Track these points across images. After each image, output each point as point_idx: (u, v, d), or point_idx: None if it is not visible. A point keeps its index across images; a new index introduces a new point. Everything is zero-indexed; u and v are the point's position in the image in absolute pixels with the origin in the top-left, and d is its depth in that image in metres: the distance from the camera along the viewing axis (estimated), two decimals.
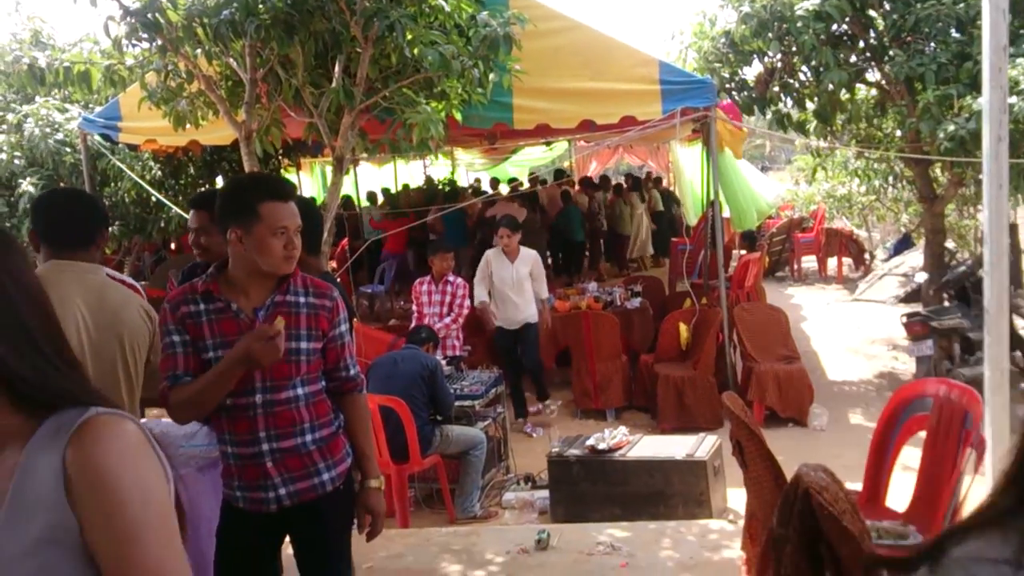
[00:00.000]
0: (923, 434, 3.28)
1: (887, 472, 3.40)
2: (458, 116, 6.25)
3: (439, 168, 19.21)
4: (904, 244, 14.26)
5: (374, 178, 17.57)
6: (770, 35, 8.19)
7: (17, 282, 1.19)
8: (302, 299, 2.58)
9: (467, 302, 6.88)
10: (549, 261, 12.98)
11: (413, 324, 6.96)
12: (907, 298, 11.77)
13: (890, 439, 3.38)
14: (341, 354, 2.67)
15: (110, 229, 8.88)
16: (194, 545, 2.85)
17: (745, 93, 8.98)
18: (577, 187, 14.64)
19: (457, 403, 5.60)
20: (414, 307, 7.02)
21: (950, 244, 11.33)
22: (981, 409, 3.00)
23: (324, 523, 2.64)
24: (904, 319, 7.84)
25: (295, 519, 2.63)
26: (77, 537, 1.11)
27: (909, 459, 3.55)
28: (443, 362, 5.82)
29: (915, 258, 13.01)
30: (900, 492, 3.45)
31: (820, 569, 2.69)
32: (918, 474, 3.30)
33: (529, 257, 7.22)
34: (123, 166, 8.49)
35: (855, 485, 2.94)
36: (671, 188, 16.82)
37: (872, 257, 15.35)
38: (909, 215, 13.86)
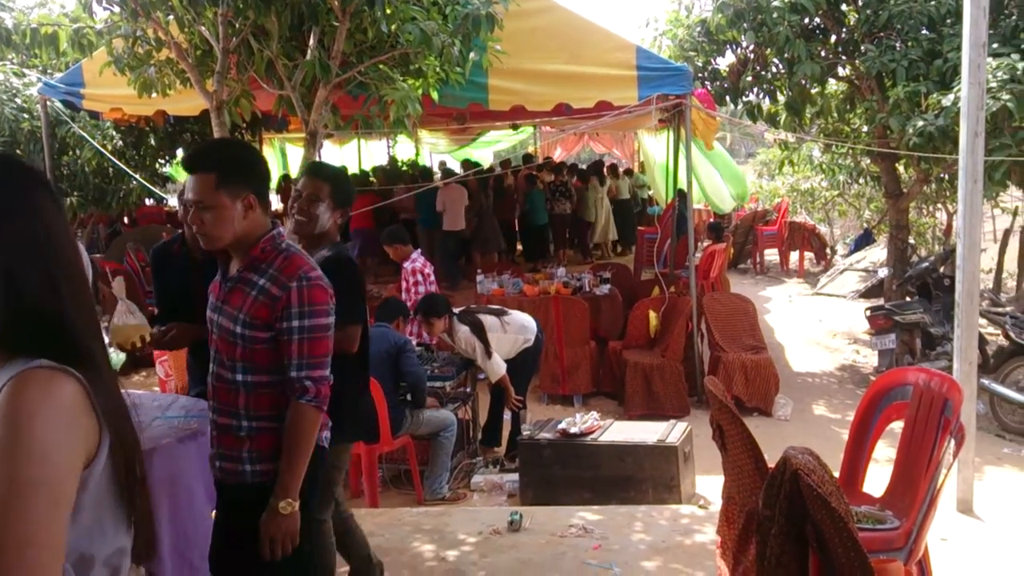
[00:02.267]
0: (901, 422, 3.32)
1: (865, 458, 3.42)
2: (434, 95, 6.15)
3: (402, 149, 19.00)
4: (865, 240, 14.49)
5: (335, 157, 17.33)
6: (745, 25, 8.24)
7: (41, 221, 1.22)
8: (260, 281, 2.40)
9: (422, 288, 6.68)
10: (519, 246, 12.96)
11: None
12: (867, 293, 11.97)
13: (869, 426, 3.41)
14: (287, 351, 2.38)
15: (69, 200, 8.66)
16: (174, 517, 2.76)
17: (717, 83, 9.03)
18: (542, 171, 14.61)
19: (427, 384, 5.53)
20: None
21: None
22: (961, 397, 3.03)
23: (242, 512, 2.45)
24: (868, 313, 7.97)
25: (229, 498, 2.54)
26: None
27: (885, 447, 3.59)
28: (413, 342, 5.73)
29: (876, 254, 13.23)
30: (877, 479, 3.48)
31: (805, 549, 2.71)
32: (896, 460, 3.33)
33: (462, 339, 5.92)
34: (85, 134, 8.23)
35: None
36: (638, 176, 16.86)
37: (833, 252, 15.58)
38: (871, 211, 14.09)
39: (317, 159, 6.26)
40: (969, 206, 4.69)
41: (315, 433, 2.42)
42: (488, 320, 5.87)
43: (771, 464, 3.22)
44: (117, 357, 6.09)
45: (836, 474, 3.46)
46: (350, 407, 3.19)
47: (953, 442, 2.99)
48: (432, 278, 6.85)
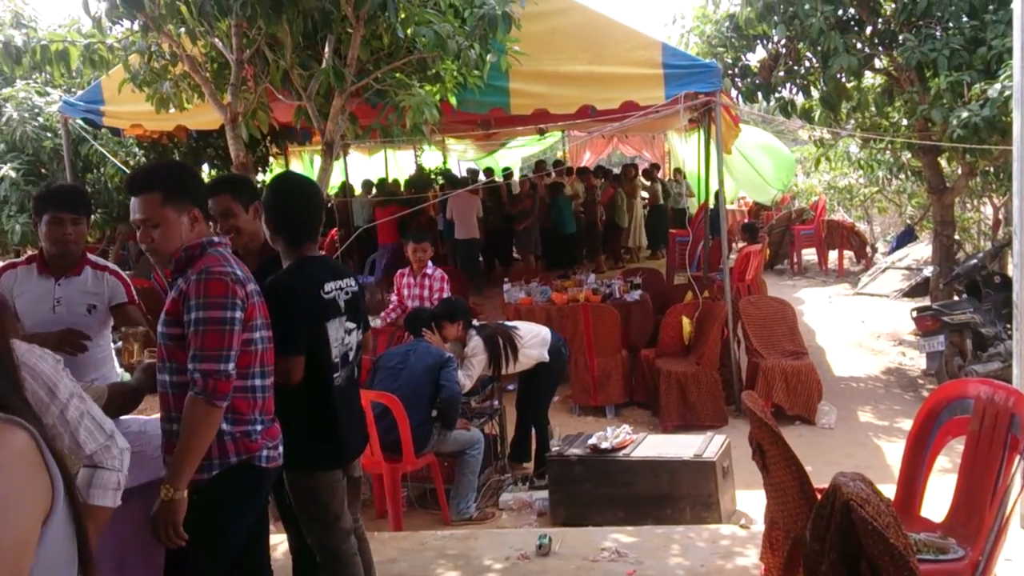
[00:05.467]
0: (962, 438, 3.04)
1: (923, 479, 3.14)
2: (453, 100, 5.96)
3: (430, 158, 18.89)
4: (907, 237, 14.03)
5: (364, 168, 17.27)
6: (776, 18, 7.95)
7: None
8: (179, 280, 2.54)
9: (446, 295, 6.52)
10: (539, 253, 12.75)
11: (392, 311, 6.66)
12: (911, 292, 11.55)
13: (926, 443, 3.13)
14: (190, 344, 2.45)
15: (92, 217, 8.60)
16: None
17: (748, 79, 8.72)
18: (572, 176, 14.39)
19: None
20: (394, 297, 6.73)
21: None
22: None
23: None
24: (914, 313, 7.62)
25: None
26: None
27: (944, 464, 3.30)
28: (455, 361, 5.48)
29: (919, 251, 12.80)
30: (936, 501, 3.19)
31: None
32: (957, 481, 3.04)
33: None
34: (105, 151, 8.17)
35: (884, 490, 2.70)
36: (667, 179, 16.56)
37: (874, 250, 15.13)
38: (913, 207, 13.64)
39: (336, 169, 6.09)
40: None
41: (206, 428, 2.44)
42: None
43: (818, 483, 2.98)
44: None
45: (891, 493, 3.19)
46: (304, 436, 2.99)
47: (1022, 462, 2.71)
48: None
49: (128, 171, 8.14)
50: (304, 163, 17.08)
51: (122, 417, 3.58)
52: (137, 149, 8.91)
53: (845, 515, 2.46)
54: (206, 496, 2.49)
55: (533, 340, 5.65)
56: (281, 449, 2.72)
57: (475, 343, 5.49)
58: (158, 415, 2.76)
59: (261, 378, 2.63)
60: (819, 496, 3.04)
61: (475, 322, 5.73)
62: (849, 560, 2.45)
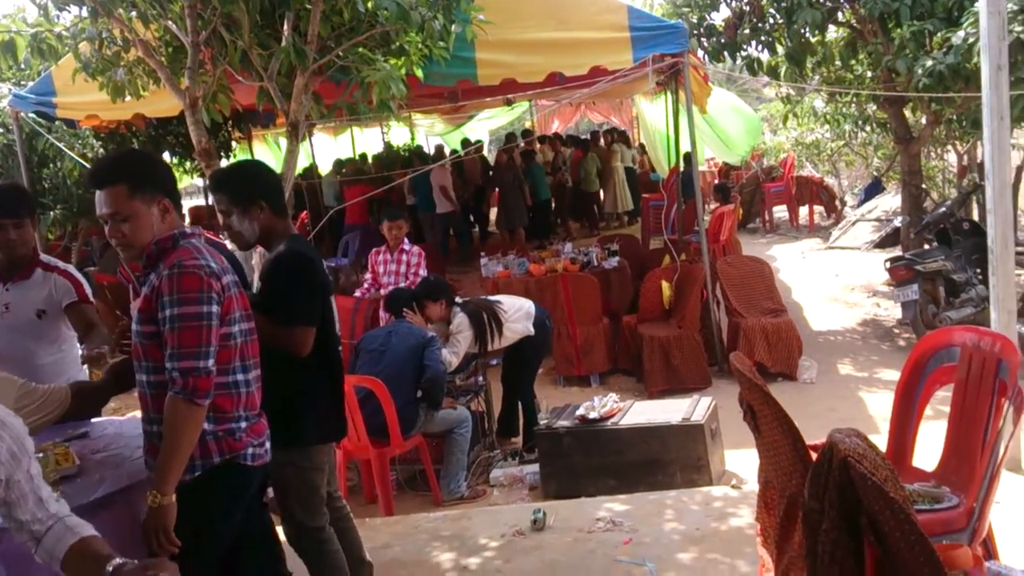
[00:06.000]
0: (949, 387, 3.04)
1: (913, 429, 3.15)
2: (419, 73, 5.84)
3: (397, 134, 18.67)
4: (874, 189, 14.12)
5: (331, 149, 17.02)
6: None
7: None
8: (151, 275, 2.46)
9: (422, 272, 6.48)
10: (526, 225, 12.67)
11: (367, 291, 6.61)
12: (882, 243, 11.65)
13: (914, 393, 3.13)
14: (167, 342, 2.36)
15: (52, 213, 8.39)
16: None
17: (714, 39, 8.66)
18: (544, 144, 14.36)
19: None
20: (368, 275, 6.66)
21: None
22: (1018, 357, 2.75)
23: None
24: (888, 264, 7.67)
25: None
26: None
27: (933, 414, 3.31)
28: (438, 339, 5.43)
29: (887, 202, 12.89)
30: (927, 450, 3.20)
31: (860, 543, 2.45)
32: (947, 430, 3.05)
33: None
34: (61, 145, 7.95)
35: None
36: (637, 143, 16.53)
37: (843, 204, 15.22)
38: (879, 159, 13.71)
39: (300, 150, 5.97)
40: (997, 145, 4.39)
41: (189, 429, 2.36)
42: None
43: (808, 439, 2.98)
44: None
45: (881, 445, 3.19)
46: (312, 411, 3.06)
47: (1011, 407, 2.71)
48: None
49: (86, 164, 7.93)
50: (269, 146, 16.78)
51: (95, 420, 3.48)
52: (94, 141, 8.69)
53: (843, 472, 2.45)
54: (190, 498, 2.40)
55: (517, 314, 5.60)
56: (268, 446, 2.65)
57: (460, 320, 5.43)
58: (132, 415, 2.71)
59: (243, 372, 2.55)
60: (811, 454, 3.05)
61: (457, 298, 5.67)
62: (849, 516, 2.44)
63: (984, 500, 2.74)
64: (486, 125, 19.73)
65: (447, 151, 15.22)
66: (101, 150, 8.70)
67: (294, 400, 2.96)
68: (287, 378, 2.93)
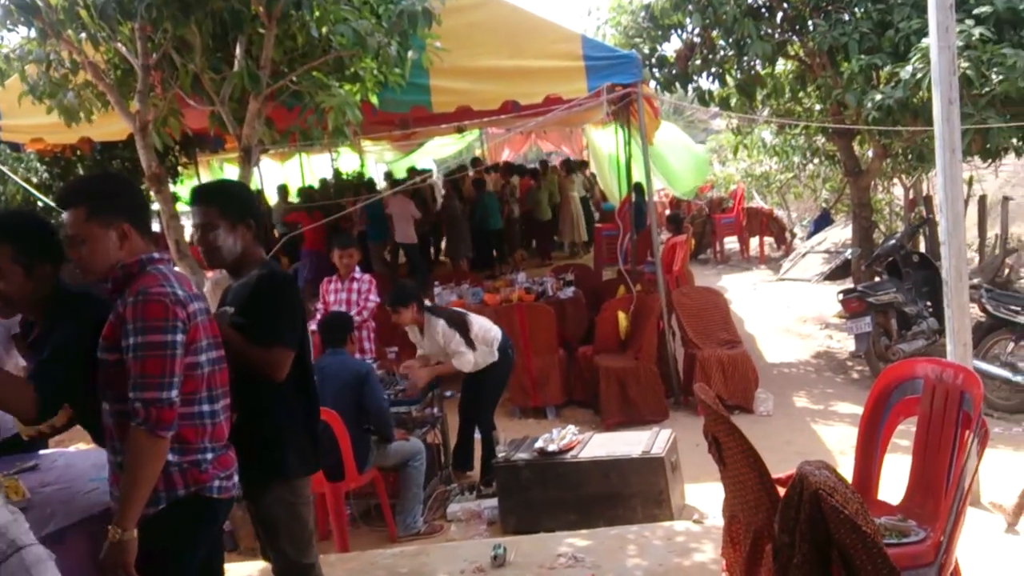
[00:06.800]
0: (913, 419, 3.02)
1: (877, 463, 3.12)
2: (374, 100, 5.77)
3: (346, 161, 18.49)
4: (823, 221, 14.37)
5: (277, 174, 16.79)
6: (690, 7, 7.98)
7: None
8: (118, 302, 2.38)
9: (372, 298, 6.37)
10: (471, 255, 12.59)
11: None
12: (832, 275, 11.79)
13: (878, 426, 3.10)
14: (130, 371, 2.28)
15: None
16: None
17: (665, 70, 8.76)
18: (494, 174, 14.37)
19: (392, 410, 5.13)
20: (319, 305, 6.52)
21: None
22: (980, 390, 2.74)
23: None
24: (841, 296, 7.75)
25: None
26: None
27: (896, 447, 3.29)
28: (375, 370, 5.31)
29: (836, 234, 13.11)
30: (890, 483, 3.18)
31: (831, 575, 2.39)
32: (912, 463, 3.03)
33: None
34: (4, 168, 7.68)
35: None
36: (589, 173, 16.64)
37: (793, 236, 15.46)
38: (828, 191, 13.97)
39: (251, 176, 5.83)
40: (949, 177, 4.44)
41: (152, 461, 2.27)
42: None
43: (772, 472, 2.93)
44: None
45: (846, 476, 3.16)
46: (294, 442, 2.93)
47: (976, 440, 2.70)
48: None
49: (30, 188, 7.68)
50: (213, 172, 16.45)
51: (44, 452, 3.34)
52: (39, 164, 8.41)
53: (814, 505, 2.40)
54: (153, 531, 2.30)
55: (486, 335, 5.49)
56: (236, 479, 2.55)
57: (440, 326, 5.29)
58: (81, 446, 2.58)
59: (210, 403, 2.44)
60: (776, 487, 3.00)
61: (427, 302, 5.57)
62: (820, 549, 2.39)
63: (951, 533, 2.71)
64: (436, 153, 19.72)
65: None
66: (46, 174, 8.43)
67: (276, 432, 2.88)
68: (266, 409, 2.85)
